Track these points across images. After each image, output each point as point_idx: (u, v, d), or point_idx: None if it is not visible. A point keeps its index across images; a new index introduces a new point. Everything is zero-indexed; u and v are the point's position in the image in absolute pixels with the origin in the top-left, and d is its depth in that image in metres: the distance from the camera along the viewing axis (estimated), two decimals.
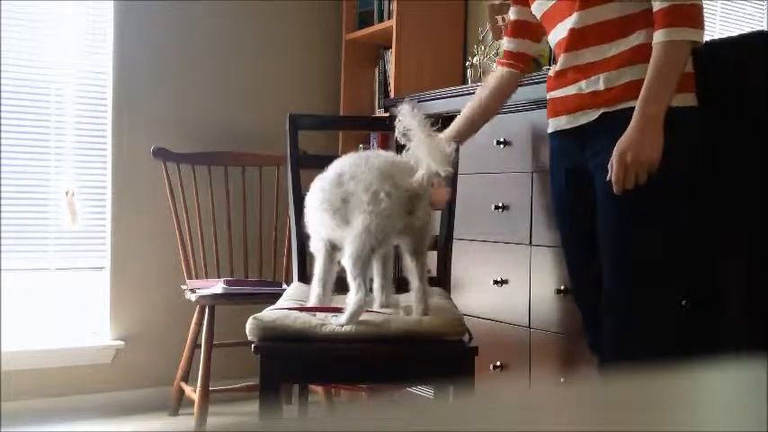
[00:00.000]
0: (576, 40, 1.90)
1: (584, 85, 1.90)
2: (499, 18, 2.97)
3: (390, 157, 1.88)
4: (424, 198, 1.83)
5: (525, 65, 2.21)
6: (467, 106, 2.22)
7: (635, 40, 1.82)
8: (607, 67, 1.85)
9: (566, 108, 1.97)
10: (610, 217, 1.86)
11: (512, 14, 2.21)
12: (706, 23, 1.75)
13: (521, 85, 2.25)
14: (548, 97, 2.07)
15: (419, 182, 1.76)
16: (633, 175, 1.73)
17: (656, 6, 1.77)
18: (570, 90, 1.94)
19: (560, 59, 1.97)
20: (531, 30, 2.18)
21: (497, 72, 2.24)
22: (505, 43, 2.23)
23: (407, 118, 1.79)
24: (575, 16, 1.88)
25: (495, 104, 2.23)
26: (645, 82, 1.75)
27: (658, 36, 1.74)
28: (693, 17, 1.73)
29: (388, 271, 2.01)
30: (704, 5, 1.77)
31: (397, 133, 1.81)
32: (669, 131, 1.75)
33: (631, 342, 1.83)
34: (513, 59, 2.19)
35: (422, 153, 1.74)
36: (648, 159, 1.72)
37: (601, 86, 1.86)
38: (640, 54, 1.80)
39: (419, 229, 1.88)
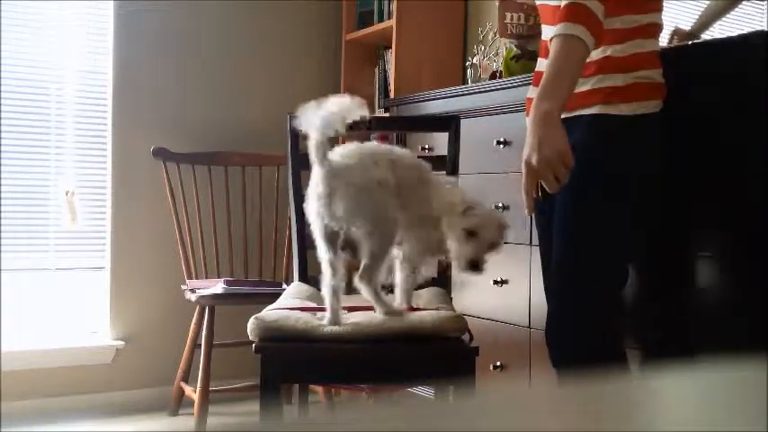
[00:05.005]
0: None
1: None
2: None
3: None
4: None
5: None
6: None
7: (600, 53, 1.76)
8: None
9: None
10: (557, 221, 1.86)
11: None
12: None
13: (522, 86, 2.24)
14: None
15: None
16: (551, 176, 1.66)
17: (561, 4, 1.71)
18: None
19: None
20: None
21: None
22: None
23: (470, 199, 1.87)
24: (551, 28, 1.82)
25: None
26: (542, 79, 1.69)
27: (556, 30, 1.68)
28: (581, 15, 1.64)
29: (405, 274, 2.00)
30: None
31: (460, 208, 1.85)
32: (609, 135, 1.76)
33: (576, 346, 1.80)
34: None
35: (483, 225, 1.84)
36: (549, 157, 1.64)
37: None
38: (602, 66, 1.77)
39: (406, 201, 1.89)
